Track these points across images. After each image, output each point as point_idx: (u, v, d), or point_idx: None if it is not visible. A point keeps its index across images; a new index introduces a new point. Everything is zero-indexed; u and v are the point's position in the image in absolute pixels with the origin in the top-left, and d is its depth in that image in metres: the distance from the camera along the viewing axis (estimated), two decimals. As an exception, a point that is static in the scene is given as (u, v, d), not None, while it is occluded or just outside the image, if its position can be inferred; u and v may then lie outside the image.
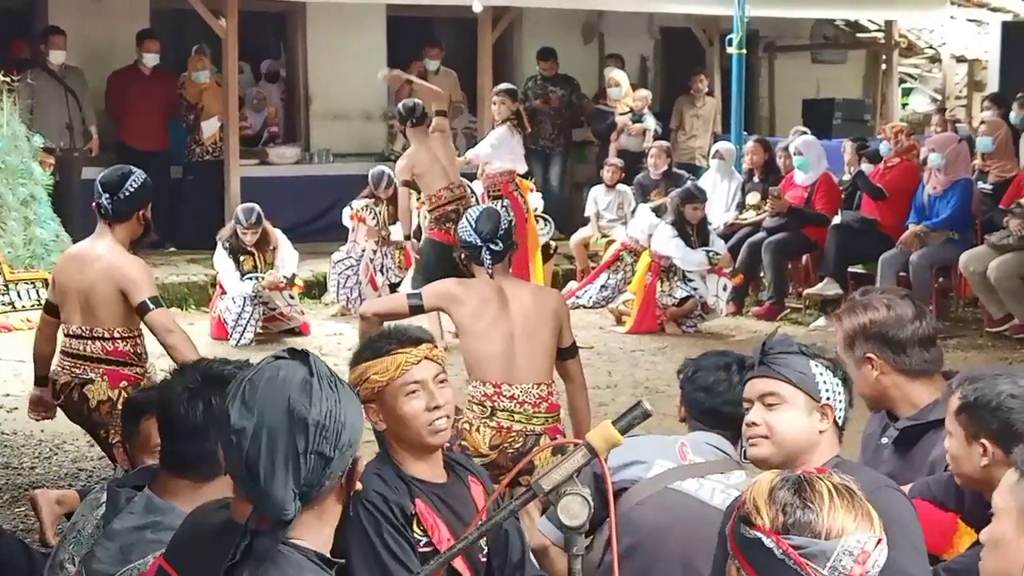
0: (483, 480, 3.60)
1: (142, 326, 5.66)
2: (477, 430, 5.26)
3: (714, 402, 3.77)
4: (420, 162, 9.60)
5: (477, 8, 13.51)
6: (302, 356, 2.35)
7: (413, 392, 3.41)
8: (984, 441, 3.18)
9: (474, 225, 5.45)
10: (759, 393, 3.26)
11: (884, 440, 3.74)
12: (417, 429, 3.40)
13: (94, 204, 5.57)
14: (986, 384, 3.22)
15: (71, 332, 5.67)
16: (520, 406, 5.29)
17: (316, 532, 2.35)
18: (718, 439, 3.71)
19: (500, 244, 5.44)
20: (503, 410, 5.28)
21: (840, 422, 3.26)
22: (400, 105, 9.89)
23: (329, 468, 2.28)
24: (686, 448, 3.66)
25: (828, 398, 3.21)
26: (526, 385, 5.29)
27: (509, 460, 5.20)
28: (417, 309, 5.44)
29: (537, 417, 5.29)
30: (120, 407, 5.40)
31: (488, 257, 5.42)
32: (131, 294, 5.53)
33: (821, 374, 3.22)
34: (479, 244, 5.43)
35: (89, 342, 5.64)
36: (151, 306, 5.54)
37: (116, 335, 5.64)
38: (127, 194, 5.56)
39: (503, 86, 11.22)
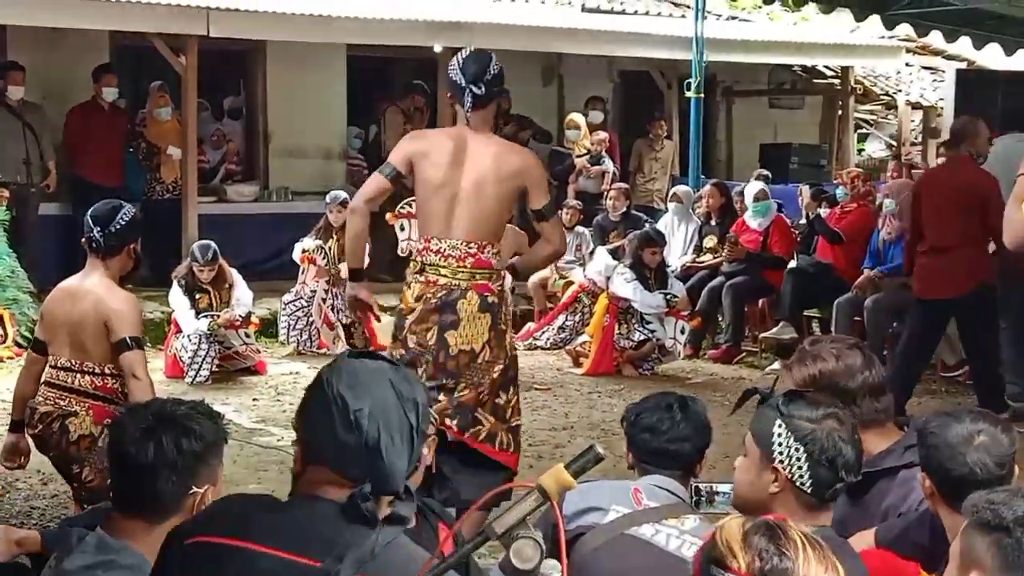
0: (450, 525, 3.58)
1: None
2: (408, 286, 5.47)
3: (659, 441, 3.79)
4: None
5: (438, 48, 13.59)
6: (374, 354, 2.51)
7: None
8: (922, 475, 3.28)
9: (460, 64, 5.41)
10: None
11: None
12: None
13: (84, 239, 5.52)
14: (930, 418, 3.31)
15: (59, 364, 5.57)
16: (444, 260, 5.38)
17: None
18: (669, 482, 3.71)
19: (483, 89, 5.38)
20: (430, 264, 5.40)
21: (808, 491, 3.09)
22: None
23: (420, 447, 2.44)
24: (640, 493, 3.66)
25: (780, 462, 3.09)
26: (455, 241, 5.37)
27: (431, 310, 5.37)
28: (394, 177, 5.46)
29: (462, 272, 5.37)
30: (102, 444, 5.41)
31: (469, 99, 5.37)
32: (113, 328, 5.47)
33: (780, 435, 3.11)
34: (463, 85, 5.38)
35: (78, 375, 5.55)
36: (130, 345, 5.47)
37: (106, 371, 5.55)
38: (118, 227, 5.52)
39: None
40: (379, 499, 2.34)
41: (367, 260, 5.88)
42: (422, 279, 5.42)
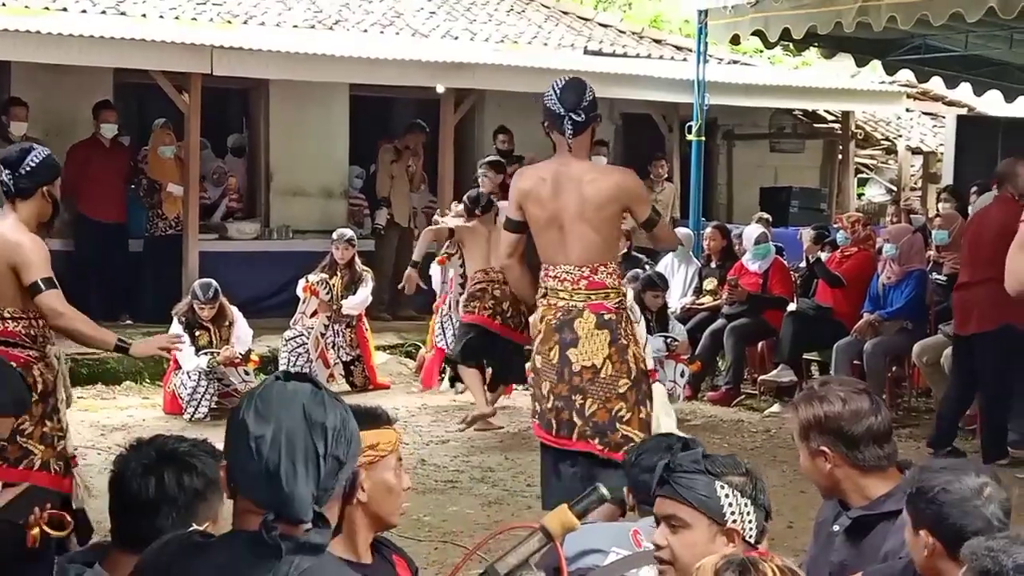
0: (406, 559, 3.55)
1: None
2: (537, 311, 5.95)
3: None
4: (472, 237, 9.83)
5: (440, 89, 13.65)
6: (302, 376, 2.45)
7: (399, 468, 3.39)
8: (922, 533, 3.20)
9: (559, 94, 5.71)
10: (663, 514, 3.26)
11: (836, 528, 3.75)
12: (394, 504, 3.35)
13: None
14: (929, 475, 3.24)
15: None
16: (562, 284, 5.82)
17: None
18: None
19: (583, 115, 5.72)
20: (551, 289, 5.88)
21: (753, 540, 3.21)
22: (466, 197, 10.13)
23: (341, 473, 2.37)
24: (639, 535, 3.65)
25: (734, 521, 3.17)
26: (569, 267, 5.81)
27: (552, 331, 5.82)
28: (516, 227, 5.90)
29: (578, 293, 5.82)
30: None
31: (570, 127, 5.71)
32: (23, 273, 5.39)
33: (727, 496, 3.18)
34: (562, 113, 5.70)
35: None
36: (42, 287, 5.40)
37: (6, 314, 5.47)
38: (28, 169, 5.47)
39: (488, 158, 11.33)
40: (297, 526, 2.30)
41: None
42: (545, 303, 5.90)
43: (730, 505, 3.17)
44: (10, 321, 5.48)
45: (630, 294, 6.53)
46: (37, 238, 5.58)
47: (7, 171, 5.46)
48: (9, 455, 5.48)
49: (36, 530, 3.68)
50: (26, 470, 5.52)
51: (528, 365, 6.19)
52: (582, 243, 5.79)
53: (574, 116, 5.71)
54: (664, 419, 6.54)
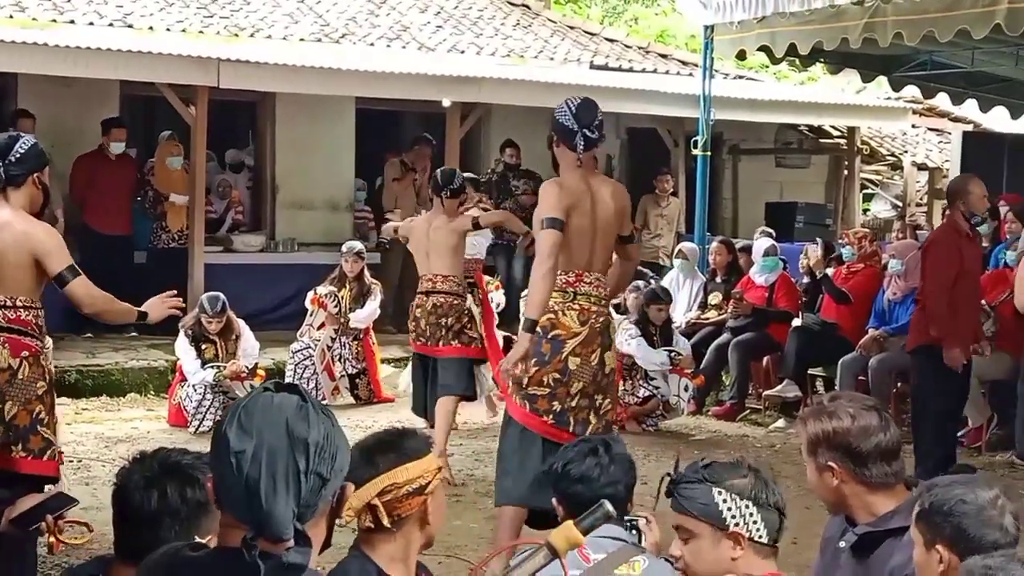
0: None
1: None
2: (563, 313, 6.01)
3: (593, 489, 3.79)
4: (412, 236, 9.00)
5: (446, 103, 13.66)
6: (291, 387, 2.39)
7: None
8: (939, 548, 3.18)
9: (574, 111, 5.97)
10: (674, 525, 3.31)
11: (842, 544, 3.73)
12: (438, 525, 3.40)
13: None
14: (942, 490, 3.22)
15: None
16: (596, 289, 6.08)
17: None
18: (609, 528, 3.69)
19: (595, 133, 5.99)
20: (583, 294, 6.05)
21: (764, 539, 3.22)
22: (439, 171, 9.26)
23: (325, 490, 2.32)
24: (586, 549, 3.61)
25: (736, 524, 3.19)
26: (597, 274, 6.09)
27: (596, 334, 6.01)
28: (563, 227, 5.92)
29: (604, 300, 6.16)
30: (20, 378, 5.49)
31: (581, 143, 5.95)
32: (46, 262, 5.47)
33: (725, 501, 3.20)
34: (575, 129, 5.94)
35: None
36: (69, 277, 5.50)
37: (19, 304, 5.52)
38: (16, 157, 5.52)
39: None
40: (277, 544, 2.26)
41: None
42: (576, 306, 6.03)
43: (729, 510, 3.19)
44: (23, 310, 5.56)
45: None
46: (50, 227, 5.71)
47: None
48: (33, 447, 5.57)
49: (52, 539, 3.67)
50: (51, 460, 5.64)
51: (531, 366, 6.02)
52: (605, 253, 6.16)
53: (587, 132, 5.96)
54: None
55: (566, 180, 6.09)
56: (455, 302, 8.76)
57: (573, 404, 6.05)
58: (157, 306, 6.07)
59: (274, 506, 2.25)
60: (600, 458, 3.87)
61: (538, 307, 5.96)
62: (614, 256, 6.37)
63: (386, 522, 3.29)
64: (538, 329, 6.03)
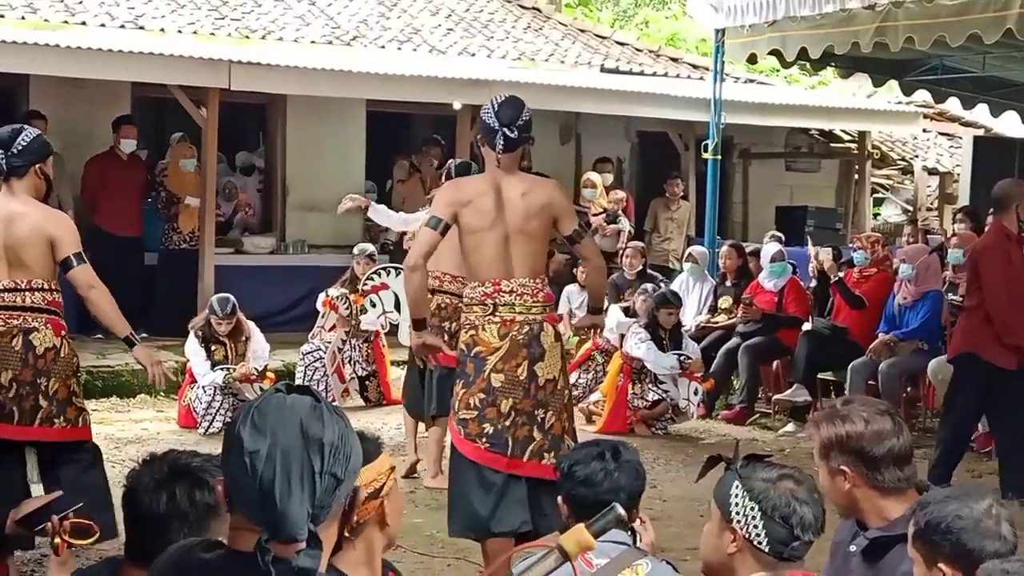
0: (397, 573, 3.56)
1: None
2: (484, 328, 5.70)
3: (596, 493, 3.77)
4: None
5: (456, 106, 13.67)
6: (304, 388, 2.37)
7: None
8: (942, 566, 3.16)
9: (495, 109, 5.64)
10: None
11: (852, 548, 3.73)
12: (397, 525, 3.38)
13: None
14: (935, 507, 3.20)
15: (1, 287, 5.80)
16: (520, 297, 5.71)
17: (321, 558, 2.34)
18: (612, 532, 3.68)
19: (516, 133, 5.62)
20: (504, 304, 5.70)
21: (764, 548, 3.16)
22: (452, 162, 8.93)
23: (339, 491, 2.31)
24: (588, 554, 3.61)
25: (737, 521, 3.18)
26: (522, 279, 5.71)
27: (520, 346, 5.65)
28: (444, 228, 5.66)
29: (536, 307, 5.74)
30: (63, 355, 5.91)
31: (501, 141, 5.60)
32: (59, 248, 5.76)
33: (736, 496, 3.19)
34: (496, 128, 5.60)
35: (28, 294, 5.80)
36: (74, 262, 5.81)
37: (52, 287, 5.87)
38: (20, 148, 5.75)
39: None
40: (290, 545, 2.23)
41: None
42: (497, 319, 5.70)
43: (736, 504, 3.18)
44: (56, 293, 5.91)
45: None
46: (64, 215, 6.05)
47: (0, 151, 5.71)
48: (71, 416, 6.00)
49: (58, 539, 3.67)
50: (85, 426, 6.12)
51: (459, 388, 5.79)
52: (529, 256, 5.75)
53: (507, 132, 5.61)
54: None
55: (466, 180, 5.94)
56: (461, 304, 8.42)
57: (508, 423, 5.67)
58: (147, 357, 6.28)
59: (288, 506, 2.23)
60: (607, 463, 3.84)
61: (412, 306, 5.88)
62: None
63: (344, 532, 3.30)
64: (462, 346, 5.84)
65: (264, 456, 2.25)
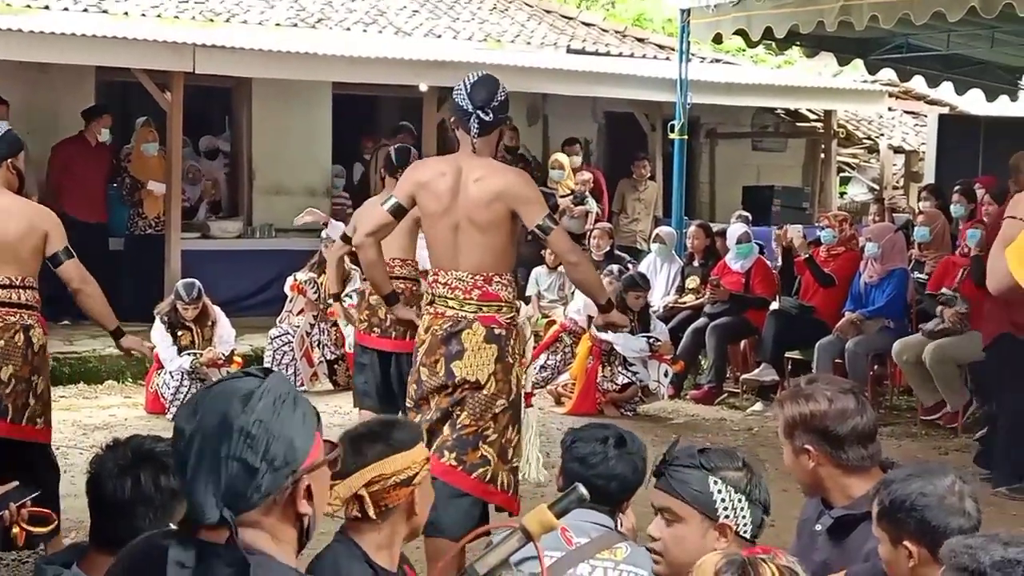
0: (413, 571, 3.63)
1: None
2: (422, 319, 5.50)
3: (587, 474, 3.75)
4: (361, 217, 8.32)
5: (423, 88, 13.63)
6: (264, 372, 2.34)
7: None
8: (907, 543, 3.19)
9: (468, 90, 5.32)
10: (659, 506, 3.30)
11: (818, 527, 3.75)
12: (424, 516, 3.43)
13: None
14: (899, 486, 3.23)
15: None
16: (452, 291, 5.34)
17: (281, 554, 2.30)
18: (595, 515, 3.69)
19: (491, 115, 5.30)
20: (439, 296, 5.38)
21: (748, 535, 3.24)
22: (392, 148, 8.59)
23: (255, 480, 2.22)
24: (568, 532, 3.62)
25: (727, 516, 3.19)
26: (461, 273, 5.32)
27: (439, 341, 5.33)
28: (396, 209, 5.44)
29: (469, 304, 5.32)
30: (46, 355, 6.00)
31: (476, 125, 5.28)
32: (49, 243, 5.75)
33: (720, 491, 3.21)
34: (470, 110, 5.29)
35: (21, 291, 5.78)
36: (63, 258, 5.80)
37: (35, 285, 5.85)
38: None
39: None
40: (214, 530, 2.21)
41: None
42: (431, 311, 5.41)
43: (723, 500, 3.20)
44: (35, 290, 5.88)
45: (525, 310, 6.08)
46: (46, 207, 6.05)
47: None
48: (48, 417, 6.04)
49: (16, 528, 3.65)
50: (48, 427, 6.09)
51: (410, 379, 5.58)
52: (476, 249, 5.30)
53: (481, 114, 5.26)
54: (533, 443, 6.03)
55: (430, 160, 5.75)
56: (413, 287, 8.10)
57: (428, 416, 5.38)
58: (137, 343, 6.39)
59: (194, 488, 2.23)
60: (607, 448, 3.79)
61: (374, 285, 5.91)
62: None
63: (372, 513, 3.30)
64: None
65: (187, 437, 2.25)
